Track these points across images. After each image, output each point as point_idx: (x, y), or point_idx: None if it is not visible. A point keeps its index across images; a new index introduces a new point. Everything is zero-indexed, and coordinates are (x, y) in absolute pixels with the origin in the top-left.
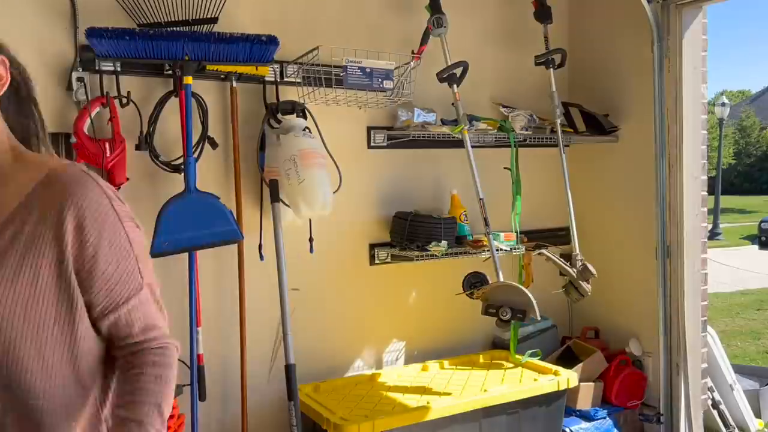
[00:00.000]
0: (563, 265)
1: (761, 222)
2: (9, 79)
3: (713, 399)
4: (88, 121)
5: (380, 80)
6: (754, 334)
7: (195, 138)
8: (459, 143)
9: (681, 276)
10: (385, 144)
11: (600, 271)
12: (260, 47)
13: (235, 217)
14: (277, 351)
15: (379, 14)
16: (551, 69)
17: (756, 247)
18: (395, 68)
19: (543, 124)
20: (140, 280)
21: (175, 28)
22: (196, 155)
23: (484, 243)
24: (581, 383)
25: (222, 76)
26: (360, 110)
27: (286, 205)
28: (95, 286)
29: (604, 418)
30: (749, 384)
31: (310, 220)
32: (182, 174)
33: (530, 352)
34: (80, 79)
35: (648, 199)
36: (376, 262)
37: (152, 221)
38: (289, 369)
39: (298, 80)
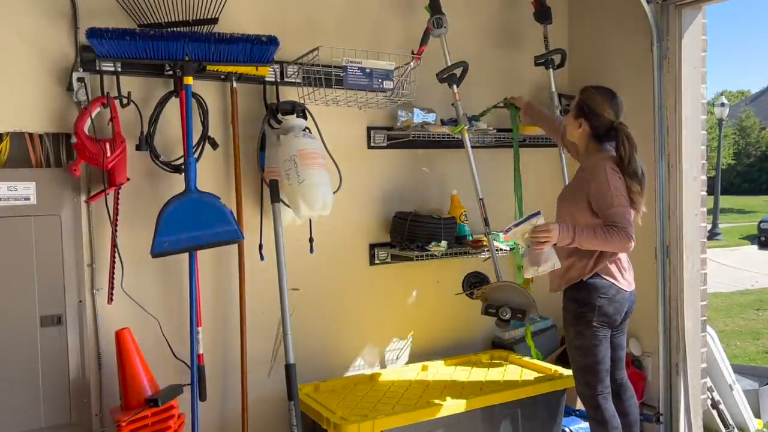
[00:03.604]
0: None
1: (760, 222)
2: None
3: (713, 399)
4: (89, 121)
5: (380, 81)
6: (753, 334)
7: (195, 138)
8: (459, 143)
9: (680, 276)
10: (385, 144)
11: None
12: (260, 48)
13: (236, 217)
14: (277, 351)
15: (379, 15)
16: (551, 69)
17: (755, 247)
18: (395, 69)
19: None
20: None
21: (175, 29)
22: (196, 155)
23: (484, 243)
24: None
25: (222, 77)
26: (360, 110)
27: (287, 205)
28: None
29: None
30: (749, 384)
31: (310, 220)
32: (183, 174)
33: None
34: (81, 80)
35: (647, 199)
36: (376, 262)
37: (152, 221)
38: (289, 369)
39: (299, 81)
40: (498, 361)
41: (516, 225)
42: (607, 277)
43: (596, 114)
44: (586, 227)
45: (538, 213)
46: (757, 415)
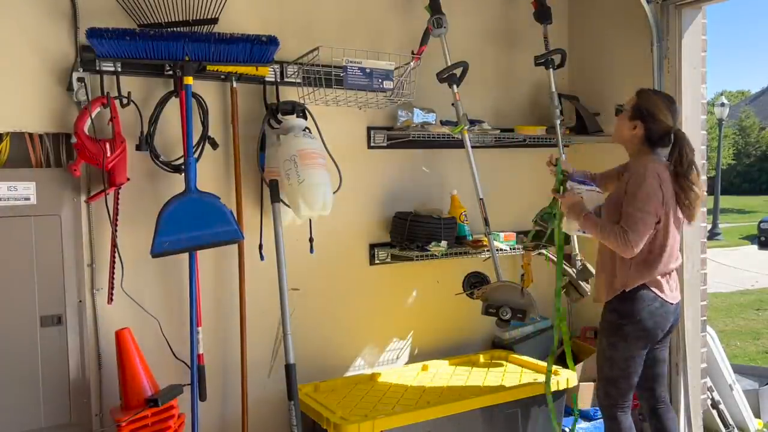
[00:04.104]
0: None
1: (760, 222)
2: None
3: (713, 399)
4: (89, 121)
5: (380, 81)
6: (753, 334)
7: (195, 138)
8: (459, 143)
9: (680, 276)
10: (385, 144)
11: None
12: (260, 48)
13: (236, 217)
14: (277, 351)
15: (379, 15)
16: (551, 69)
17: (755, 247)
18: (395, 69)
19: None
20: None
21: (175, 29)
22: (196, 155)
23: (484, 243)
24: (581, 383)
25: (222, 77)
26: (360, 110)
27: (287, 205)
28: None
29: None
30: (749, 384)
31: (310, 220)
32: (183, 174)
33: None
34: (81, 80)
35: None
36: (376, 262)
37: (152, 221)
38: (289, 369)
39: (299, 81)
40: (498, 361)
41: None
42: (654, 289)
43: (654, 118)
44: (595, 216)
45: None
46: (757, 415)
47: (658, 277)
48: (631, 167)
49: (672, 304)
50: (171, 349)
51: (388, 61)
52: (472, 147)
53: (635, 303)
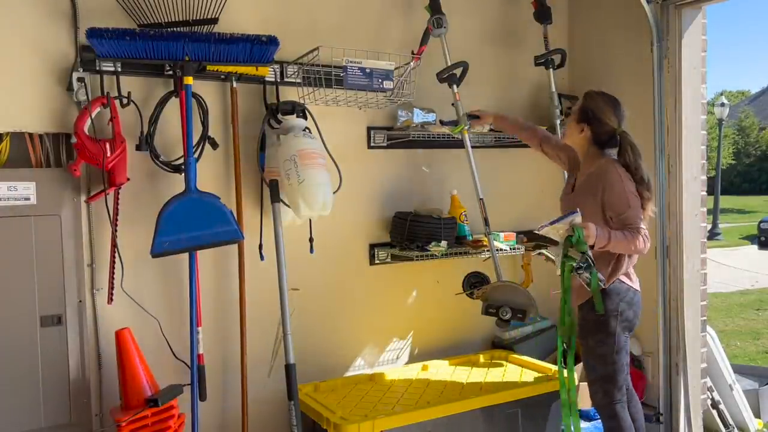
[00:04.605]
0: None
1: (760, 222)
2: None
3: (713, 399)
4: (89, 121)
5: (380, 81)
6: (753, 334)
7: (195, 138)
8: (459, 143)
9: (680, 276)
10: (385, 144)
11: None
12: (260, 48)
13: (236, 217)
14: (277, 351)
15: (379, 15)
16: (551, 69)
17: (755, 247)
18: (395, 69)
19: None
20: None
21: (175, 29)
22: (196, 155)
23: (484, 243)
24: (581, 383)
25: (222, 77)
26: (360, 110)
27: (287, 205)
28: None
29: None
30: (749, 384)
31: (310, 220)
32: (183, 174)
33: None
34: (81, 80)
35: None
36: (376, 262)
37: (152, 221)
38: (289, 369)
39: (299, 80)
40: (498, 361)
41: (552, 222)
42: (625, 281)
43: (599, 120)
44: (616, 230)
45: (575, 212)
46: (757, 415)
47: (627, 268)
48: (591, 171)
49: (639, 291)
50: (171, 349)
51: (388, 61)
52: (472, 147)
53: (611, 297)
